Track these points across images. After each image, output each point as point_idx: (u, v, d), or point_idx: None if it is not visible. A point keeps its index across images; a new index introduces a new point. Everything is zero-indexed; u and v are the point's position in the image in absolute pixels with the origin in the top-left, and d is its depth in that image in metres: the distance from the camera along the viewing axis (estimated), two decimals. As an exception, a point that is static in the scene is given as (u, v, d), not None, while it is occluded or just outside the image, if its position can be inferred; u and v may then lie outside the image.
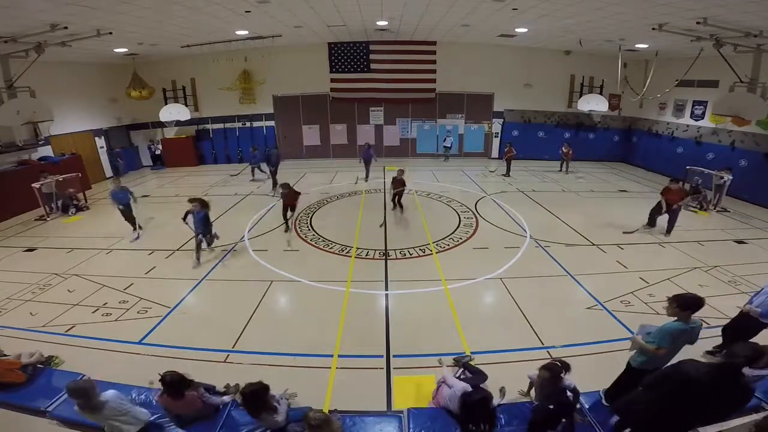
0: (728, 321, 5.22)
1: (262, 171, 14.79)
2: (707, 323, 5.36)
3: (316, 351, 5.37)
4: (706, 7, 7.54)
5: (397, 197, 11.07)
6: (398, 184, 10.86)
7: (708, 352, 5.21)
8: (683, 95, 14.72)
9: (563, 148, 15.69)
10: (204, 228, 7.97)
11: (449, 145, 18.07)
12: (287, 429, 3.73)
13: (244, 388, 3.62)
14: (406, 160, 18.22)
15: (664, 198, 9.18)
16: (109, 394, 3.62)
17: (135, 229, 9.51)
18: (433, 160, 18.38)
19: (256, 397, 3.57)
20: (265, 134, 17.94)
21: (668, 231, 9.36)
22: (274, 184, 12.90)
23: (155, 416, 3.98)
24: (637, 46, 12.89)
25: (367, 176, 14.42)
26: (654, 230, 9.53)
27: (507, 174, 15.32)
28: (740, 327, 4.90)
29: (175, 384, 3.78)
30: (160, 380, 3.81)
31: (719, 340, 5.31)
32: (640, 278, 7.25)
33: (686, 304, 3.68)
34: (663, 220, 9.42)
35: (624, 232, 9.53)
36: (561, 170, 15.84)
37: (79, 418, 4.06)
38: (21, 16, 7.60)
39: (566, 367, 3.79)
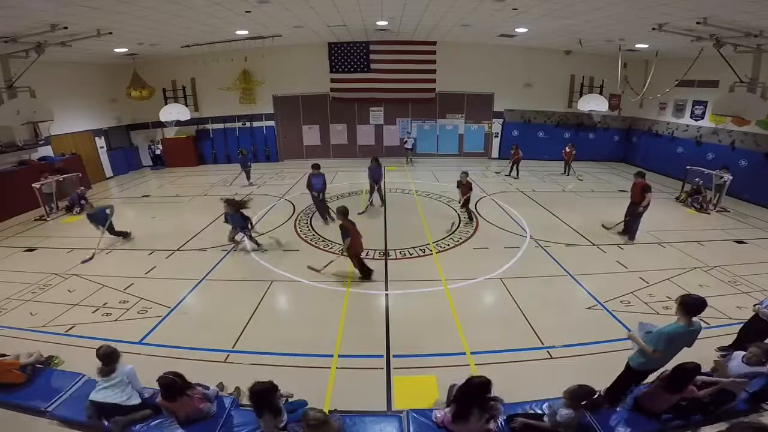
0: (745, 322, 5.20)
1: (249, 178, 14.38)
2: (707, 323, 5.38)
3: (316, 351, 5.36)
4: (706, 7, 7.54)
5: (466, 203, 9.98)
6: (466, 188, 9.82)
7: (720, 349, 5.22)
8: (683, 95, 14.72)
9: (566, 148, 15.40)
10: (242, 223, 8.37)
11: (410, 147, 17.54)
12: (287, 428, 3.73)
13: (252, 386, 3.61)
14: (410, 163, 18.17)
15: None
16: (128, 367, 4.14)
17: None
18: (433, 159, 18.38)
19: (264, 396, 3.56)
20: (265, 134, 17.95)
21: (629, 235, 8.98)
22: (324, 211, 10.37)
23: (158, 419, 4.04)
24: (637, 46, 12.89)
25: (371, 202, 11.45)
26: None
27: (509, 175, 15.22)
28: (756, 328, 4.91)
29: (174, 385, 3.80)
30: (157, 381, 3.83)
31: (722, 340, 5.34)
32: (640, 278, 7.25)
33: (689, 307, 3.72)
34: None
35: (602, 225, 9.66)
36: (564, 173, 15.59)
37: (79, 418, 4.08)
38: (21, 16, 7.61)
39: (593, 404, 3.66)
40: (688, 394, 3.98)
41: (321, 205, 10.28)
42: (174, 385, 3.79)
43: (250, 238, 8.61)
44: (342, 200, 12.34)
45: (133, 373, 4.13)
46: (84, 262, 8.14)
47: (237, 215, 8.23)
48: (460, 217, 10.45)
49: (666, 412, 4.05)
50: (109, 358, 4.03)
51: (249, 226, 8.47)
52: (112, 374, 4.02)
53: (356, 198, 12.48)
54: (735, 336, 5.22)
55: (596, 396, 3.59)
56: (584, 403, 3.61)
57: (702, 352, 4.97)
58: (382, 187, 11.50)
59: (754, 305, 4.99)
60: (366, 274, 7.32)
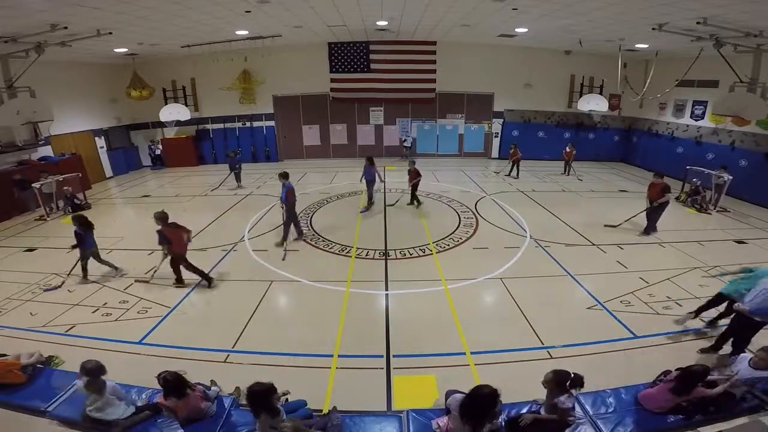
0: (730, 322, 5.19)
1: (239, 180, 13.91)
2: (705, 322, 5.37)
3: (316, 351, 5.36)
4: (706, 7, 7.54)
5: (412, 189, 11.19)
6: (413, 175, 10.94)
7: (702, 350, 5.22)
8: (683, 95, 14.72)
9: (567, 148, 15.37)
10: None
11: (409, 145, 18.05)
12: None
13: (252, 385, 3.61)
14: (406, 160, 18.20)
15: (647, 194, 9.19)
16: (110, 383, 4.03)
17: None
18: (433, 159, 18.38)
19: (261, 397, 3.56)
20: (265, 134, 17.95)
21: (645, 229, 9.30)
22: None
23: (158, 419, 4.04)
24: (637, 46, 12.89)
25: (371, 200, 11.45)
26: (660, 236, 9.22)
27: (510, 175, 15.18)
28: (739, 326, 4.90)
29: (176, 383, 3.82)
30: (159, 382, 3.85)
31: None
32: (640, 278, 7.25)
33: None
34: (662, 223, 9.29)
35: (605, 225, 9.68)
36: (564, 173, 15.59)
37: (79, 418, 4.07)
38: (21, 16, 7.61)
39: (576, 382, 3.70)
40: (697, 395, 3.97)
41: (292, 219, 8.90)
42: (175, 383, 3.80)
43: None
44: (342, 200, 12.36)
45: (118, 388, 4.07)
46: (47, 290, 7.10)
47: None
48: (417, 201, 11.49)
49: (667, 412, 4.06)
50: (97, 372, 3.94)
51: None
52: (102, 394, 3.94)
53: (356, 198, 12.48)
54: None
55: (573, 376, 3.68)
56: (568, 384, 3.69)
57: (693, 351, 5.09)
58: (381, 188, 11.20)
59: (735, 304, 4.96)
60: (179, 280, 7.09)
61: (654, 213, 9.14)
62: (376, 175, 11.00)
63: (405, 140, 18.07)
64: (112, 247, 8.91)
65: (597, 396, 4.30)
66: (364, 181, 11.23)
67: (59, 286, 7.15)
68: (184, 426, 3.95)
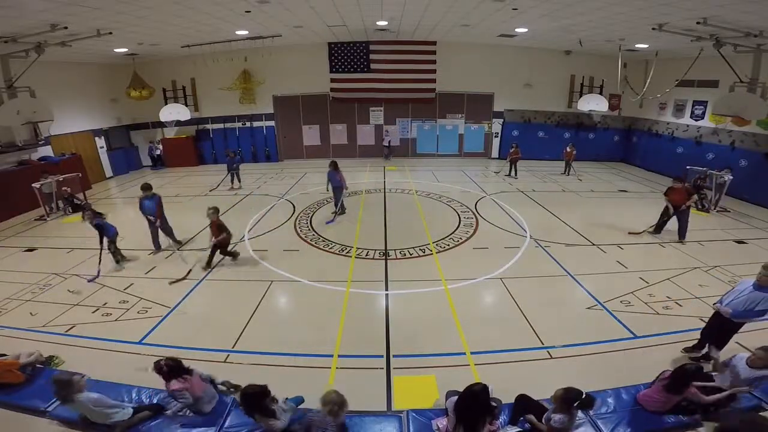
0: (708, 321, 5.17)
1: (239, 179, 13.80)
2: (705, 322, 5.35)
3: (316, 351, 5.36)
4: (706, 7, 7.54)
5: (215, 250, 7.76)
6: (214, 228, 7.56)
7: (686, 350, 5.24)
8: (683, 95, 14.72)
9: (567, 148, 15.33)
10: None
11: (387, 144, 18.23)
12: (289, 428, 3.73)
13: (245, 388, 3.64)
14: (406, 160, 18.28)
15: (667, 199, 8.95)
16: (92, 395, 3.86)
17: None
18: (434, 159, 18.41)
19: (253, 399, 3.58)
20: (265, 134, 17.95)
21: (681, 236, 8.93)
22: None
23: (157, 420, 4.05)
24: (637, 46, 12.89)
25: (339, 209, 10.58)
26: (661, 236, 9.18)
27: (510, 175, 15.16)
28: (718, 327, 4.87)
29: (179, 364, 3.92)
30: (156, 369, 3.92)
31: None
32: (640, 278, 7.24)
33: None
34: (672, 224, 9.14)
35: (629, 233, 9.44)
36: (564, 173, 15.56)
37: (79, 419, 4.07)
38: (21, 16, 7.62)
39: (585, 403, 3.62)
40: (689, 396, 3.97)
41: (156, 231, 8.51)
42: (178, 364, 3.91)
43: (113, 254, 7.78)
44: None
45: (102, 399, 3.88)
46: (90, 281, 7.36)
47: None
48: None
49: (666, 412, 4.06)
50: (60, 390, 3.73)
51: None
52: (73, 404, 3.76)
53: (356, 198, 12.47)
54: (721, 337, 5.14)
55: (584, 396, 3.63)
56: (575, 404, 3.64)
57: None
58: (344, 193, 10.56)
59: (714, 303, 4.95)
60: None
61: (684, 217, 8.89)
62: (342, 180, 10.41)
63: (383, 139, 18.26)
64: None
65: (597, 396, 4.29)
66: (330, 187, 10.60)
67: (97, 276, 7.40)
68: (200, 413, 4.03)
